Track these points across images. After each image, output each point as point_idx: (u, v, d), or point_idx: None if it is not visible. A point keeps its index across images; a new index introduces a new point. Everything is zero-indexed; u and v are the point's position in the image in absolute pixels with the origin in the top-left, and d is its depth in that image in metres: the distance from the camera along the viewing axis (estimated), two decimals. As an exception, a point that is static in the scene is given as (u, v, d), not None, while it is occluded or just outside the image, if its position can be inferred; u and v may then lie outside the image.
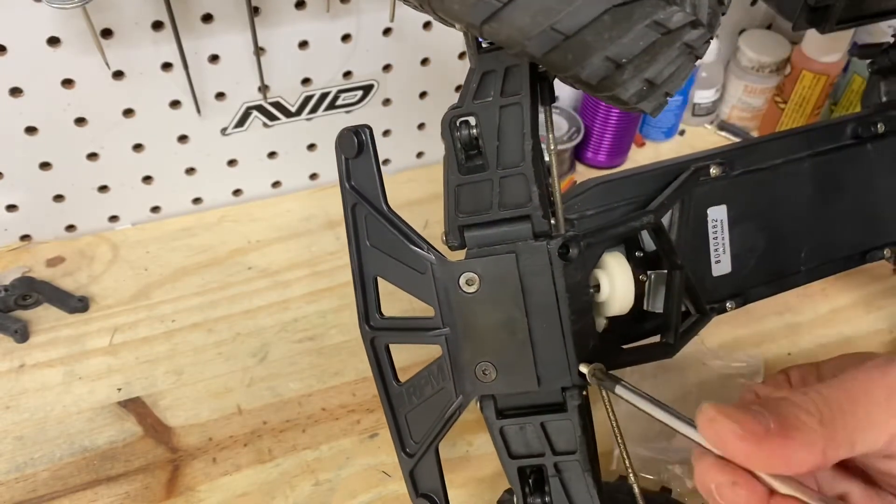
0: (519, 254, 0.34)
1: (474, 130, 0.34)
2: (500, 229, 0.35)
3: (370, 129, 0.37)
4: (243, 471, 0.55)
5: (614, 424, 0.36)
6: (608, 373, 0.34)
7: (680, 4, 0.27)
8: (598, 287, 0.39)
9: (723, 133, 0.85)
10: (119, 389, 0.59)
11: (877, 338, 0.65)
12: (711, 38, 0.29)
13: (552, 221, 0.34)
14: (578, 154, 0.81)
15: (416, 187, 0.76)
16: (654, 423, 0.56)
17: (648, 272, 0.42)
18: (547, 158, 0.35)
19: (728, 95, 0.84)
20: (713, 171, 0.44)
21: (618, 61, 0.27)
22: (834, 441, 0.26)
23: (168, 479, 0.54)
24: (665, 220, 0.42)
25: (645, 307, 0.42)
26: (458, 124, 0.35)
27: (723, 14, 0.30)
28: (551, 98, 0.35)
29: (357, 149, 0.37)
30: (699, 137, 0.86)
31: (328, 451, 0.56)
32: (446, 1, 0.28)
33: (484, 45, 0.34)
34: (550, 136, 0.36)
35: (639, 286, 0.41)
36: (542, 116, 0.34)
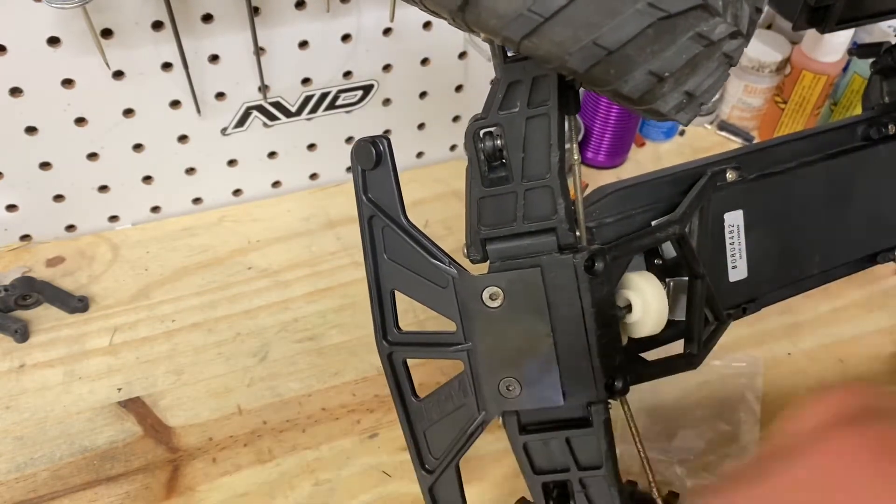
0: (544, 267, 0.33)
1: (499, 141, 0.34)
2: (523, 242, 0.34)
3: (388, 139, 0.36)
4: (243, 471, 0.54)
5: (635, 435, 0.36)
6: None
7: (722, 15, 0.27)
8: (629, 307, 0.38)
9: (723, 133, 0.85)
10: (119, 389, 0.59)
11: (877, 337, 0.65)
12: (746, 46, 0.29)
13: (577, 234, 0.34)
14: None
15: (416, 187, 0.76)
16: (654, 424, 0.57)
17: (668, 280, 0.41)
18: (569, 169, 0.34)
19: (728, 95, 0.84)
20: (729, 175, 0.43)
21: (660, 75, 0.27)
22: None
23: (168, 479, 0.54)
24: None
25: None
26: (481, 135, 0.34)
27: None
28: (576, 107, 0.34)
29: (375, 160, 0.36)
30: (699, 138, 0.86)
31: (328, 451, 0.56)
32: (483, 15, 0.27)
33: (510, 55, 0.33)
34: (574, 146, 0.35)
35: None
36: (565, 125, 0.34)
